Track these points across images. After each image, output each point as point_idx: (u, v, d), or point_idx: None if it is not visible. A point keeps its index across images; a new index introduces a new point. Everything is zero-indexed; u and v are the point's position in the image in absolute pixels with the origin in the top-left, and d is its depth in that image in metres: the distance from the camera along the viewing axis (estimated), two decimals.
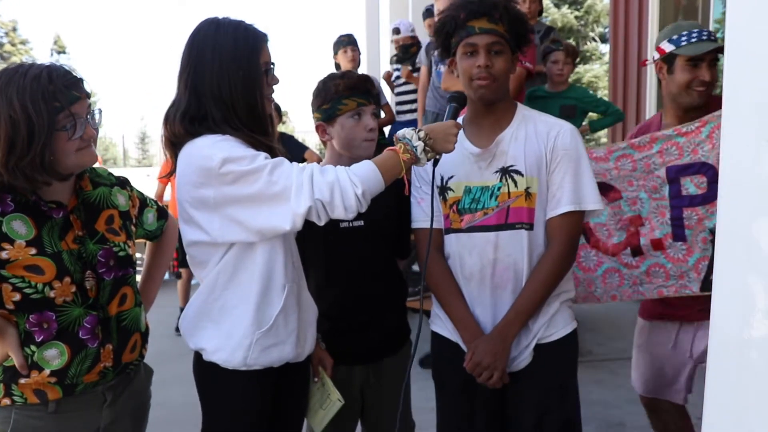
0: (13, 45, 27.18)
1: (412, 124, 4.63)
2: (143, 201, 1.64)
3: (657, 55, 2.00)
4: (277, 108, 3.84)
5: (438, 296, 1.70)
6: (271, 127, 1.53)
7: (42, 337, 1.35)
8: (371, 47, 5.99)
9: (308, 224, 1.38)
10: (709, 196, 1.85)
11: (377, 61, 5.87)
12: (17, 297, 1.32)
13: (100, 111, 1.40)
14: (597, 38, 24.58)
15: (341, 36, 4.57)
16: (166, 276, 1.93)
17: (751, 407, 0.81)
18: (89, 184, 1.48)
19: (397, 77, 4.79)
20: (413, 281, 3.41)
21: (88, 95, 1.38)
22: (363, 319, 1.80)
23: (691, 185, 1.88)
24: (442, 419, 1.78)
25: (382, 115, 4.59)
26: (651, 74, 6.47)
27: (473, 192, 1.63)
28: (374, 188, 1.39)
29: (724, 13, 5.46)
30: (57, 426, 1.38)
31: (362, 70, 4.70)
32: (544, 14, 4.58)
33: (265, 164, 1.35)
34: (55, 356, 1.36)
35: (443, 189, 1.67)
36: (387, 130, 4.69)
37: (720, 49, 1.92)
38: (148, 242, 1.74)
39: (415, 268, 3.94)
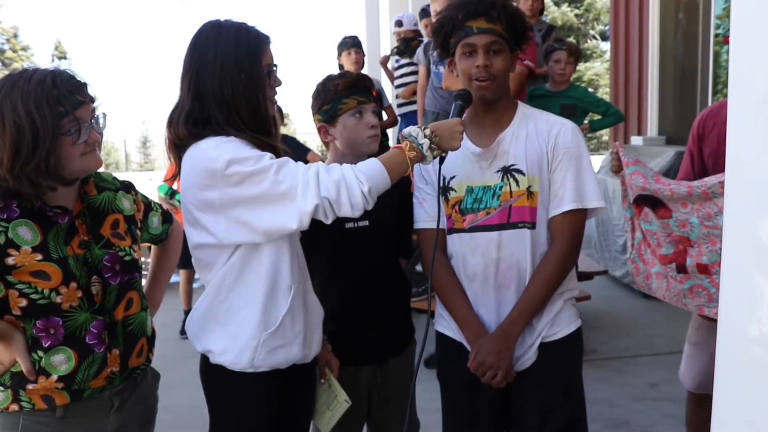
0: (14, 51, 27.24)
1: (412, 118, 4.64)
2: (148, 205, 1.65)
3: None
4: (279, 110, 3.84)
5: (441, 296, 1.70)
6: (275, 128, 1.53)
7: (49, 343, 1.35)
8: (371, 47, 5.99)
9: (312, 225, 1.38)
10: None
11: (377, 60, 5.87)
12: (24, 303, 1.33)
13: (104, 115, 1.41)
14: (597, 36, 24.57)
15: (345, 38, 4.58)
16: (172, 279, 1.93)
17: (759, 403, 0.81)
18: (94, 188, 1.48)
19: (398, 68, 4.80)
20: (417, 281, 3.41)
21: (92, 99, 1.38)
22: (368, 320, 1.81)
23: None
24: (446, 419, 1.78)
25: (384, 117, 4.60)
26: (652, 71, 6.46)
27: (475, 192, 1.63)
28: (380, 186, 1.39)
29: (725, 9, 5.45)
30: (65, 431, 1.38)
31: (364, 70, 4.70)
32: (544, 13, 4.58)
33: (270, 164, 1.36)
34: (62, 362, 1.36)
35: (445, 189, 1.67)
36: (391, 132, 4.70)
37: None
38: (153, 246, 1.75)
39: (419, 268, 3.94)
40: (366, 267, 1.80)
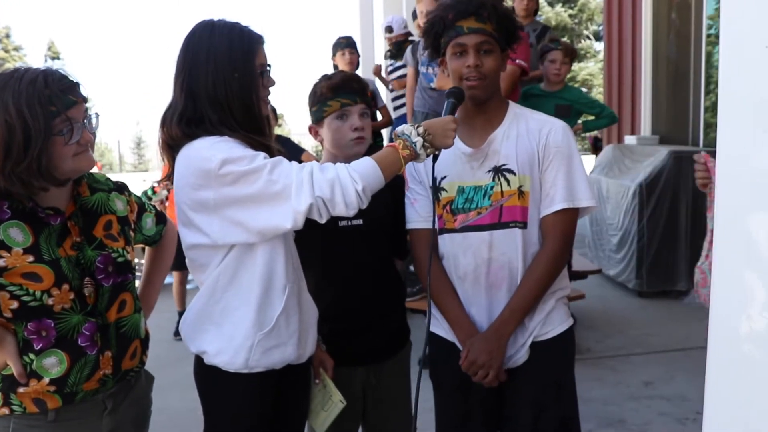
0: (6, 51, 27.09)
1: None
2: (141, 206, 1.64)
3: None
4: (273, 110, 3.84)
5: (433, 296, 1.70)
6: (268, 128, 1.53)
7: (41, 345, 1.34)
8: (366, 47, 5.99)
9: (306, 224, 1.38)
10: None
11: (372, 60, 5.86)
12: (15, 305, 1.32)
13: (97, 115, 1.40)
14: (591, 36, 24.66)
15: (340, 38, 4.58)
16: (166, 280, 1.92)
17: (751, 400, 0.81)
18: (87, 189, 1.47)
19: (392, 71, 4.79)
20: (410, 281, 3.41)
21: (84, 99, 1.37)
22: (362, 320, 1.80)
23: None
24: (439, 419, 1.78)
25: (379, 117, 4.59)
26: (645, 70, 6.49)
27: (466, 192, 1.64)
28: (374, 184, 1.39)
29: (716, 9, 5.48)
30: None
31: (358, 70, 4.69)
32: (538, 13, 4.58)
33: (264, 164, 1.35)
34: (54, 364, 1.35)
35: (436, 189, 1.67)
36: (385, 133, 4.69)
37: None
38: (147, 248, 1.74)
39: (412, 268, 3.94)
40: (360, 266, 1.80)
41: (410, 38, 4.70)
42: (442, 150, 1.51)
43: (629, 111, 6.76)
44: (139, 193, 1.71)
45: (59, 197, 1.39)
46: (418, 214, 1.70)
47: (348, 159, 1.50)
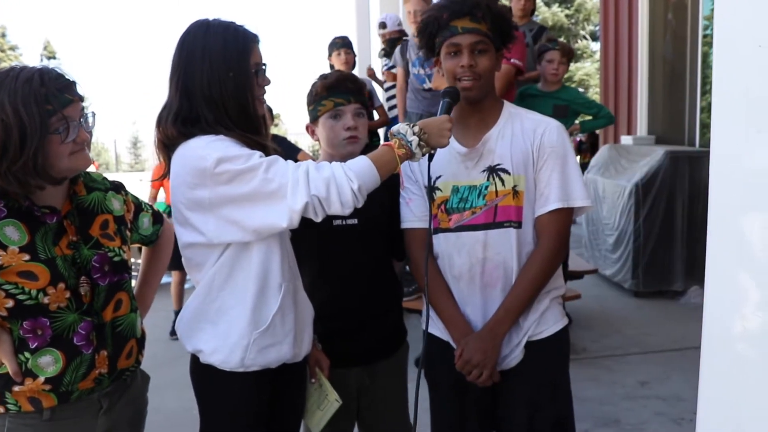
0: (2, 51, 26.99)
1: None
2: (138, 206, 1.64)
3: None
4: (269, 110, 3.83)
5: (428, 296, 1.70)
6: (264, 127, 1.53)
7: (36, 344, 1.34)
8: (362, 47, 5.98)
9: (301, 222, 1.38)
10: None
11: (368, 60, 5.86)
12: (10, 303, 1.31)
13: (94, 114, 1.40)
14: (588, 36, 24.69)
15: (336, 38, 4.58)
16: (163, 280, 1.91)
17: (744, 400, 0.82)
18: (83, 188, 1.47)
19: (387, 69, 4.78)
20: (406, 281, 3.41)
21: (81, 98, 1.37)
22: (356, 320, 1.80)
23: None
24: (434, 418, 1.78)
25: (376, 117, 4.59)
26: (642, 70, 6.50)
27: (461, 191, 1.64)
28: (370, 183, 1.39)
29: (713, 10, 5.49)
30: None
31: (354, 70, 4.69)
32: (535, 13, 4.58)
33: (260, 162, 1.36)
34: (49, 363, 1.35)
35: (431, 189, 1.67)
36: (382, 132, 4.68)
37: None
38: (143, 247, 1.74)
39: (408, 268, 3.93)
40: (355, 265, 1.80)
41: (404, 37, 4.69)
42: (438, 149, 1.51)
43: (625, 111, 6.78)
44: (138, 194, 1.71)
45: (55, 196, 1.39)
46: (413, 213, 1.70)
47: (343, 158, 1.50)
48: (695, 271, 4.85)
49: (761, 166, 0.76)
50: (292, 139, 5.90)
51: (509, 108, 1.69)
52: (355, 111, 1.78)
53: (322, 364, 1.75)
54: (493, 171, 1.62)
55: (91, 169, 1.49)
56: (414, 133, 1.44)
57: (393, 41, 4.68)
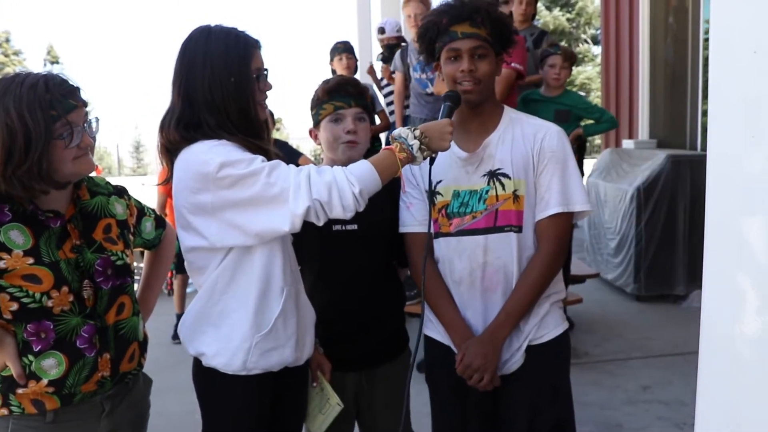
0: (6, 56, 27.11)
1: (404, 124, 4.62)
2: (141, 210, 1.65)
3: None
4: (271, 114, 3.84)
5: (428, 300, 1.70)
6: (266, 132, 1.54)
7: (40, 347, 1.35)
8: (363, 52, 6.00)
9: (302, 227, 1.39)
10: None
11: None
12: (15, 306, 1.33)
13: (97, 119, 1.41)
14: (589, 40, 24.70)
15: (337, 43, 4.59)
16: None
17: (743, 403, 0.82)
18: (87, 193, 1.48)
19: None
20: (408, 286, 3.40)
21: (84, 104, 1.39)
22: (355, 325, 1.80)
23: None
24: (436, 422, 1.79)
25: (378, 121, 4.59)
26: (643, 74, 6.51)
27: (462, 196, 1.64)
28: (371, 187, 1.40)
29: None
30: None
31: (356, 75, 4.69)
32: (536, 17, 4.58)
33: (262, 167, 1.37)
34: (52, 366, 1.36)
35: (432, 193, 1.67)
36: (383, 137, 4.68)
37: None
38: (146, 251, 1.75)
39: (408, 272, 3.91)
40: (354, 271, 1.79)
41: (402, 43, 4.70)
42: (438, 153, 1.52)
43: (627, 115, 6.77)
44: (140, 199, 1.72)
45: (59, 200, 1.40)
46: (414, 217, 1.71)
47: (344, 163, 1.51)
48: (697, 275, 4.83)
49: (757, 171, 0.77)
50: (294, 143, 5.91)
51: (510, 113, 1.70)
52: (356, 115, 1.78)
53: (323, 368, 1.76)
54: (493, 175, 1.63)
55: (94, 173, 1.50)
56: (415, 137, 1.44)
57: (391, 47, 4.69)
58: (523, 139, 1.63)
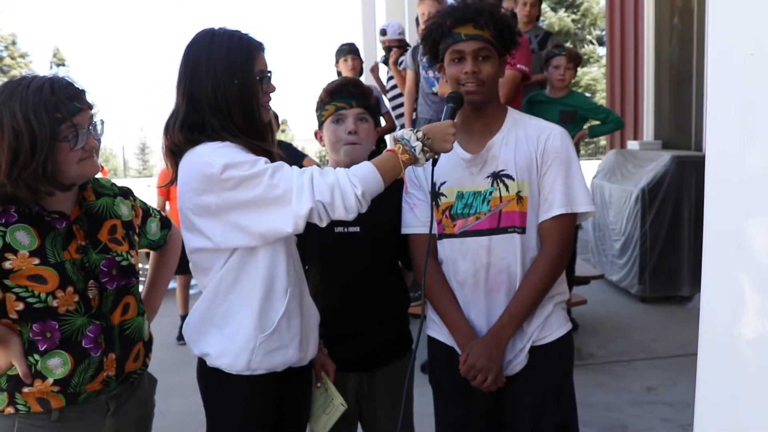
0: (12, 58, 27.25)
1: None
2: (146, 211, 1.66)
3: None
4: (275, 116, 3.85)
5: (432, 301, 1.71)
6: (270, 134, 1.55)
7: (45, 346, 1.36)
8: (368, 53, 6.01)
9: (305, 228, 1.40)
10: None
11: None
12: (21, 306, 1.34)
13: (102, 122, 1.42)
14: (594, 41, 24.65)
15: (342, 45, 4.60)
16: (170, 285, 1.93)
17: (742, 404, 0.82)
18: (92, 194, 1.50)
19: (390, 77, 4.79)
20: (413, 288, 3.40)
21: (90, 106, 1.40)
22: (356, 326, 1.80)
23: None
24: (439, 423, 1.79)
25: (383, 123, 4.59)
26: (648, 75, 6.49)
27: (465, 197, 1.65)
28: (374, 189, 1.41)
29: None
30: None
31: (361, 77, 4.70)
32: (541, 18, 4.58)
33: (265, 168, 1.38)
34: (58, 365, 1.37)
35: (436, 195, 1.68)
36: (389, 138, 4.69)
37: None
38: (151, 252, 1.76)
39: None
40: (356, 273, 1.79)
41: (405, 46, 4.69)
42: (442, 155, 1.53)
43: (632, 116, 6.76)
44: (146, 200, 1.73)
45: (65, 201, 1.42)
46: (418, 219, 1.71)
47: (347, 164, 1.52)
48: None
49: (755, 172, 0.77)
50: (299, 145, 5.93)
51: (513, 114, 1.70)
52: (358, 115, 1.78)
53: (327, 369, 1.76)
54: (497, 177, 1.63)
55: (99, 175, 1.52)
56: (417, 139, 1.45)
57: (392, 49, 4.68)
58: (526, 140, 1.64)
